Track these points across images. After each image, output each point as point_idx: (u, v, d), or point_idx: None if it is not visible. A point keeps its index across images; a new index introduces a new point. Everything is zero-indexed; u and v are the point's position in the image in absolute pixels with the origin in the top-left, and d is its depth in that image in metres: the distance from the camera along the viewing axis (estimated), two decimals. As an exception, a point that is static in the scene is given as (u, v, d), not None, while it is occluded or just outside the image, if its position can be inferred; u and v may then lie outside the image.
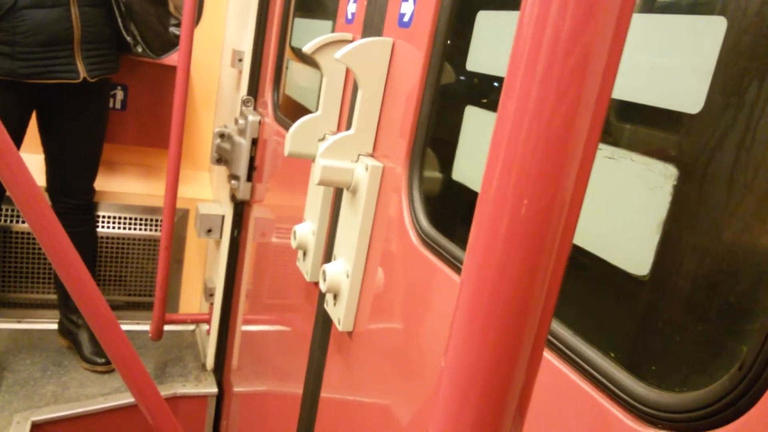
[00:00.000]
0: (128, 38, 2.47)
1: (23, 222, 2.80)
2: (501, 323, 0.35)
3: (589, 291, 0.69)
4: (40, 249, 2.85)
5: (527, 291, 0.34)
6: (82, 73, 2.36)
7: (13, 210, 2.79)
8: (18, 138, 2.38)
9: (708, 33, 0.55)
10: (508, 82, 0.33)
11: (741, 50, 0.53)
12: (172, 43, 2.61)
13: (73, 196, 2.61)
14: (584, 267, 0.67)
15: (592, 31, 0.31)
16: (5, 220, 2.79)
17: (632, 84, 0.61)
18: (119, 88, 3.00)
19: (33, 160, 2.39)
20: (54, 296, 2.84)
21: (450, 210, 1.07)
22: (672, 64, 0.59)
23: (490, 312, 0.35)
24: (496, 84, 0.92)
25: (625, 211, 0.63)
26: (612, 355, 0.61)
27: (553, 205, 0.33)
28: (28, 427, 2.24)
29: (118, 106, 3.02)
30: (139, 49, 2.51)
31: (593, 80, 0.31)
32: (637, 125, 0.64)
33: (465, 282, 0.37)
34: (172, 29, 2.60)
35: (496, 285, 0.34)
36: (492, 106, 0.93)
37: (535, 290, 0.34)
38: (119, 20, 2.43)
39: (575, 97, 0.31)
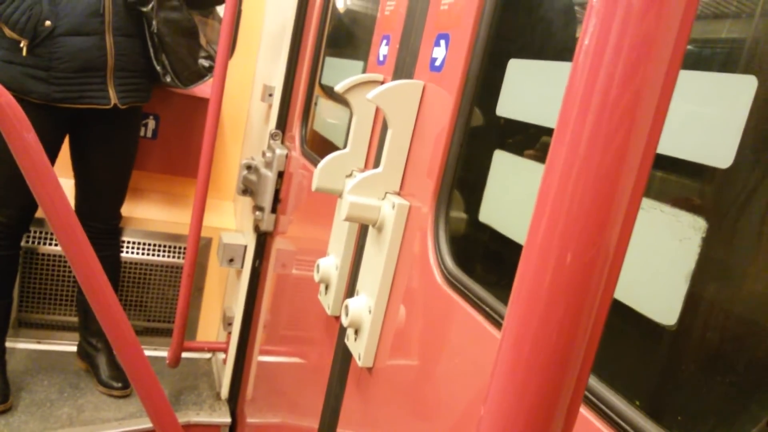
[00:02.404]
0: (158, 68, 2.54)
1: (49, 244, 2.85)
2: (541, 373, 0.36)
3: (615, 339, 0.69)
4: (63, 271, 2.89)
5: (568, 342, 0.35)
6: (113, 99, 2.43)
7: (39, 232, 2.84)
8: (50, 162, 2.44)
9: (739, 90, 0.56)
10: (558, 133, 0.35)
11: (771, 109, 0.54)
12: (200, 74, 2.68)
13: (100, 221, 2.65)
14: (611, 314, 0.67)
15: (642, 86, 0.33)
16: (32, 242, 2.84)
17: (664, 136, 0.63)
18: (151, 117, 3.07)
19: (62, 184, 2.45)
20: (74, 318, 2.87)
21: (475, 251, 1.08)
22: (703, 119, 0.60)
23: (530, 362, 0.36)
24: (525, 130, 0.94)
25: (654, 260, 0.63)
26: (637, 403, 0.61)
27: (598, 257, 0.34)
28: (42, 448, 2.24)
29: (149, 134, 3.09)
30: (168, 79, 2.58)
31: (641, 134, 0.33)
32: (666, 177, 0.65)
33: (507, 331, 0.38)
34: (201, 61, 2.68)
35: (538, 335, 0.36)
36: (520, 150, 0.95)
37: (576, 342, 0.35)
38: (151, 50, 2.50)
39: (621, 151, 0.33)
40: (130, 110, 2.53)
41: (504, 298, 0.87)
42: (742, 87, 0.56)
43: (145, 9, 2.40)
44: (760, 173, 0.55)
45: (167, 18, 2.45)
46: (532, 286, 0.36)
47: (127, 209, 2.82)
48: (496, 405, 0.38)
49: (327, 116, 2.04)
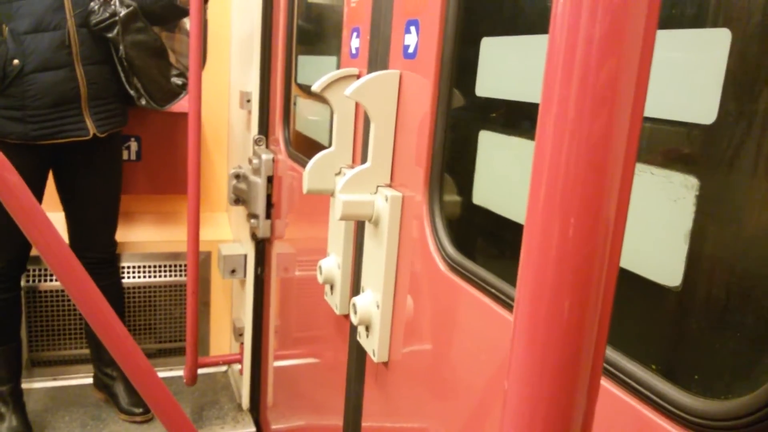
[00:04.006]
0: (132, 92, 2.52)
1: (50, 281, 2.84)
2: (560, 340, 0.36)
3: (624, 305, 0.69)
4: (67, 305, 2.88)
5: (582, 307, 0.35)
6: (92, 129, 2.41)
7: (38, 270, 2.83)
8: (37, 199, 2.43)
9: (714, 45, 0.56)
10: (545, 106, 0.35)
11: (748, 59, 0.54)
12: (174, 93, 2.65)
13: (96, 251, 2.64)
14: (617, 282, 0.67)
15: (621, 48, 0.32)
16: (32, 281, 2.83)
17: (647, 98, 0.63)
18: (133, 139, 3.05)
19: (53, 218, 2.44)
20: (86, 351, 2.87)
21: (474, 234, 1.08)
22: (683, 77, 0.60)
23: (548, 331, 0.36)
24: (506, 107, 0.94)
25: (652, 223, 0.63)
26: (654, 367, 0.62)
27: (599, 225, 0.34)
28: (73, 483, 2.25)
29: (132, 157, 3.07)
30: (143, 102, 2.56)
31: (627, 94, 0.33)
32: (653, 138, 0.65)
33: (520, 303, 0.38)
34: (174, 80, 2.65)
35: (551, 304, 0.36)
36: (505, 128, 0.95)
37: (589, 305, 0.35)
38: (122, 75, 2.48)
39: (609, 114, 0.33)
40: (110, 136, 2.51)
41: (506, 278, 0.87)
42: (717, 41, 0.56)
43: (110, 35, 2.37)
44: (744, 125, 0.55)
45: (134, 41, 2.42)
46: (539, 262, 0.36)
47: (121, 234, 2.81)
48: (519, 376, 0.38)
49: (308, 115, 2.03)
